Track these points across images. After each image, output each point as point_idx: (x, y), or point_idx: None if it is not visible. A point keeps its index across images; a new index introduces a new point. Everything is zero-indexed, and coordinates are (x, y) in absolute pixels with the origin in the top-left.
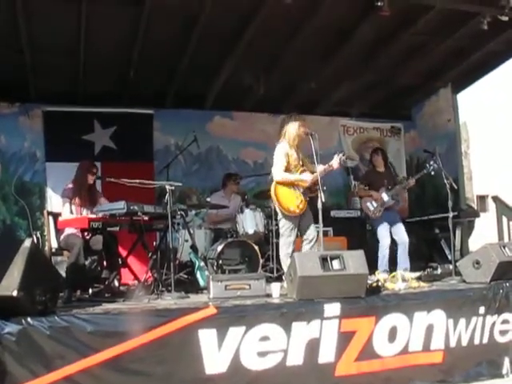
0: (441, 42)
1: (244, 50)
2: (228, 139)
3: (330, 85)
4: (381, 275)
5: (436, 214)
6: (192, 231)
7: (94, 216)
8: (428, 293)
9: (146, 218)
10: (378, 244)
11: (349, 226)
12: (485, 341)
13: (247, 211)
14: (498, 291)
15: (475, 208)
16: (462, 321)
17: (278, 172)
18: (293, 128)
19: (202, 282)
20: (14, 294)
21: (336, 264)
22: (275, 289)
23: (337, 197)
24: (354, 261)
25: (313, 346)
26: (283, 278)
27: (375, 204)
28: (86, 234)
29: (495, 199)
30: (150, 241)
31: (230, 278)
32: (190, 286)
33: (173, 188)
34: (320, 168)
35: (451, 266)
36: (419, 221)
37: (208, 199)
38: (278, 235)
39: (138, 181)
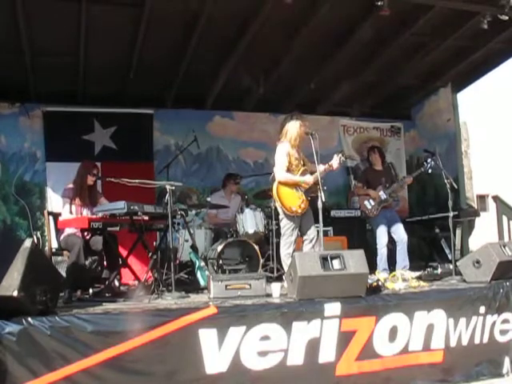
0: (441, 42)
1: (244, 50)
2: (228, 139)
3: (331, 84)
4: (381, 275)
5: (436, 213)
6: (192, 231)
7: (94, 216)
8: (428, 292)
9: (146, 217)
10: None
11: (349, 226)
12: (485, 340)
13: (247, 211)
14: (498, 291)
15: (475, 207)
16: (463, 320)
17: (280, 172)
18: (294, 127)
19: (202, 282)
20: (15, 294)
21: (336, 264)
22: (275, 289)
23: (337, 196)
24: (355, 260)
25: (313, 346)
26: (283, 277)
27: (373, 202)
28: (86, 234)
29: (495, 199)
30: (151, 241)
31: (231, 277)
32: (190, 285)
33: (173, 188)
34: (320, 168)
35: (451, 266)
36: (419, 220)
37: (208, 199)
38: (278, 235)
39: (138, 181)
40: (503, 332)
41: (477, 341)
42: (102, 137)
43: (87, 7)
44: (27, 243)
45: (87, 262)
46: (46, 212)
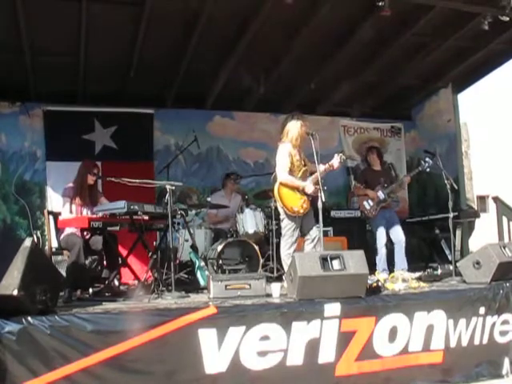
0: (442, 42)
1: (245, 49)
2: (228, 139)
3: (331, 85)
4: (381, 275)
5: (436, 214)
6: (192, 231)
7: (94, 215)
8: (428, 293)
9: (146, 217)
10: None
11: (349, 226)
12: (485, 341)
13: (247, 211)
14: (498, 292)
15: (475, 208)
16: (462, 321)
17: (282, 173)
18: (295, 127)
19: (202, 282)
20: (15, 293)
21: (336, 264)
22: (275, 289)
23: (337, 197)
24: (354, 261)
25: (313, 346)
26: (283, 277)
27: (371, 203)
28: (86, 233)
29: (495, 199)
30: (150, 240)
31: (230, 277)
32: (190, 285)
33: (173, 188)
34: (320, 168)
35: (451, 267)
36: (419, 221)
37: (208, 199)
38: (278, 235)
39: (138, 180)
40: (503, 333)
41: (477, 342)
42: (103, 136)
43: (87, 6)
44: (27, 242)
45: (87, 262)
46: (46, 211)
